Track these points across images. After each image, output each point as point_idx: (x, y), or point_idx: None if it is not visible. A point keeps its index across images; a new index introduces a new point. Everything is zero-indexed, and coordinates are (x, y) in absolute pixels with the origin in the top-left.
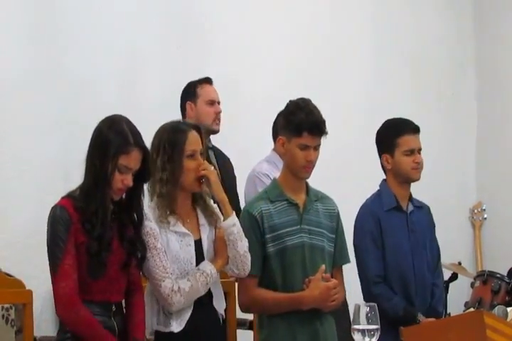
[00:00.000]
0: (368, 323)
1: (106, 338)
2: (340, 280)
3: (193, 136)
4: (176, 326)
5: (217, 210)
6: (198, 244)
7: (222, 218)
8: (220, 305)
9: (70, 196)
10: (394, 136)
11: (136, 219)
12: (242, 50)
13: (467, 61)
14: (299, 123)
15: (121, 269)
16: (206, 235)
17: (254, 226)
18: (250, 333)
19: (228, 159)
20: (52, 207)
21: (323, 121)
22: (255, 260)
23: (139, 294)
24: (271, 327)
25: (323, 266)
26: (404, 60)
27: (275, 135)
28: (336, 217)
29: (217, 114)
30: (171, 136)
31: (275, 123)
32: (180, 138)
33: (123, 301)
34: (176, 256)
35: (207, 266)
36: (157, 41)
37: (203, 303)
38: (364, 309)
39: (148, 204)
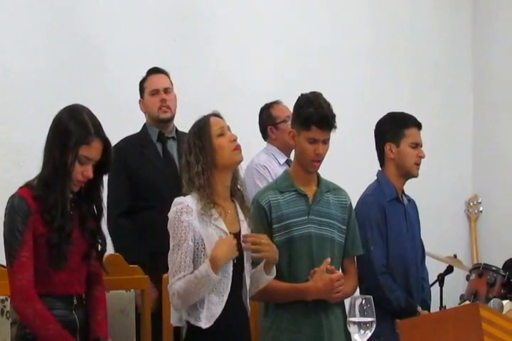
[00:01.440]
0: (364, 316)
1: (61, 335)
2: (352, 271)
3: (214, 118)
4: (205, 322)
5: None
6: (237, 238)
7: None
8: (247, 300)
9: (28, 185)
10: (402, 126)
11: (96, 212)
12: (238, 46)
13: (463, 56)
14: (308, 117)
15: (82, 260)
16: (245, 230)
17: (262, 216)
18: None
19: None
20: (11, 197)
21: (333, 115)
22: None
23: (100, 286)
24: (275, 316)
25: (329, 259)
26: (401, 55)
27: (262, 127)
28: (348, 209)
29: (162, 101)
30: (196, 129)
31: (260, 119)
32: (203, 125)
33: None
34: None
35: (204, 265)
36: (151, 36)
37: (234, 300)
38: (360, 301)
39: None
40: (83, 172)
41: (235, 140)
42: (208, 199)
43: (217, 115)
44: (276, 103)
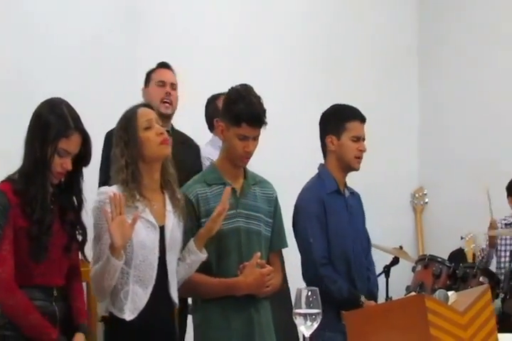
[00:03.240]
0: (310, 307)
1: (42, 325)
2: (277, 265)
3: (142, 110)
4: (129, 314)
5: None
6: (161, 230)
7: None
8: (175, 294)
9: (9, 179)
10: (344, 119)
11: (76, 203)
12: (179, 36)
13: (409, 49)
14: (239, 114)
15: (63, 252)
16: (171, 222)
17: (190, 210)
18: None
19: (190, 140)
20: None
21: (264, 112)
22: None
23: (78, 279)
24: (205, 311)
25: (259, 253)
26: (345, 47)
27: (208, 119)
28: (274, 201)
29: (167, 94)
30: (123, 120)
31: (206, 111)
32: (130, 117)
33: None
34: (142, 242)
35: (107, 252)
36: (88, 26)
37: (160, 293)
38: (305, 293)
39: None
40: (62, 164)
41: (162, 133)
42: (131, 192)
43: (146, 105)
44: (222, 95)
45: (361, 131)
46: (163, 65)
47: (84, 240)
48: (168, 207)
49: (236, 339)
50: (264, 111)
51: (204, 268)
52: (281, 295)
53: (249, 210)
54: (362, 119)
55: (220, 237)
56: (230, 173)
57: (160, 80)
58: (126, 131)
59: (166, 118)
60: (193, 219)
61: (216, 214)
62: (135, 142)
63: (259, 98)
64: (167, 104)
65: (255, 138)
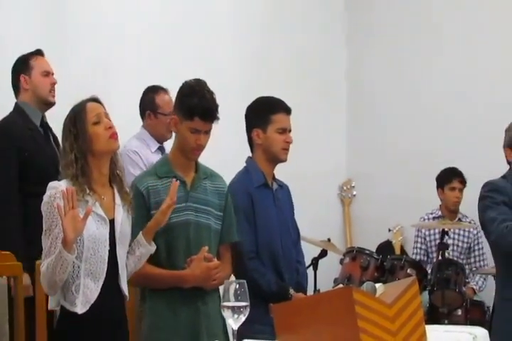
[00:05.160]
0: (238, 300)
1: None
2: (227, 258)
3: (91, 104)
4: (81, 307)
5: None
6: (111, 224)
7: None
8: (126, 286)
9: None
10: (268, 112)
11: None
12: (108, 30)
13: (338, 44)
14: (191, 108)
15: None
16: (120, 216)
17: (140, 202)
18: None
19: None
20: None
21: (216, 107)
22: None
23: None
24: (152, 301)
25: (206, 247)
26: (275, 42)
27: (143, 112)
28: (224, 195)
29: (53, 85)
30: (72, 115)
31: (142, 100)
32: (79, 112)
33: None
34: (92, 235)
35: (60, 246)
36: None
37: (110, 285)
38: (234, 286)
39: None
40: None
41: (110, 127)
42: (81, 187)
43: (95, 100)
44: (163, 91)
45: (287, 122)
46: (41, 53)
47: None
48: (117, 200)
49: (183, 329)
50: (216, 106)
51: (154, 260)
52: None
53: (199, 204)
54: (287, 111)
55: (169, 230)
56: (181, 166)
57: (45, 70)
58: (75, 126)
59: (51, 107)
60: (144, 211)
61: (165, 207)
62: (84, 137)
63: (212, 93)
64: (53, 93)
65: (207, 132)
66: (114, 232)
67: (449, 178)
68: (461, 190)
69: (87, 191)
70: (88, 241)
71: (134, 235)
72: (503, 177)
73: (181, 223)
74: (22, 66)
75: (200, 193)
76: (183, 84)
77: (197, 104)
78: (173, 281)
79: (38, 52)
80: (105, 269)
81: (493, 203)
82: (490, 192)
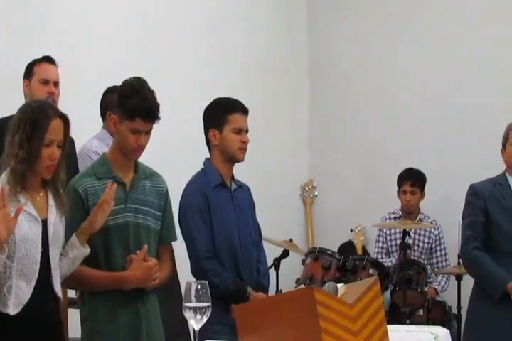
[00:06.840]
0: (199, 301)
1: None
2: (166, 258)
3: (56, 124)
4: (13, 308)
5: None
6: (44, 224)
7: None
8: (59, 288)
9: None
10: (224, 112)
11: None
12: (79, 25)
13: (300, 41)
14: (132, 108)
15: None
16: (54, 216)
17: (78, 203)
18: None
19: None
20: None
21: (157, 107)
22: None
23: None
24: (91, 305)
25: (146, 246)
26: (235, 39)
27: (103, 112)
28: (164, 195)
29: (50, 93)
30: (36, 117)
31: (102, 100)
32: (43, 124)
33: None
34: (24, 235)
35: None
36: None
37: (43, 287)
38: (195, 286)
39: None
40: None
41: (54, 159)
42: (17, 185)
43: (47, 60)
44: None
45: (243, 122)
46: (48, 60)
47: None
48: (51, 201)
49: (123, 333)
50: (157, 105)
51: (92, 262)
52: (171, 289)
53: (138, 204)
54: (243, 111)
55: (107, 232)
56: (120, 166)
57: (43, 78)
58: (31, 130)
59: None
60: (82, 212)
61: (97, 207)
62: (32, 150)
63: (153, 92)
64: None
65: (148, 132)
66: (47, 233)
67: (401, 181)
68: (413, 193)
69: (19, 190)
70: (20, 241)
71: (68, 237)
72: (491, 179)
73: (120, 225)
74: (27, 71)
75: (140, 194)
76: (123, 83)
77: (138, 104)
78: (113, 283)
79: (45, 59)
80: (37, 270)
81: (473, 214)
82: (470, 196)
